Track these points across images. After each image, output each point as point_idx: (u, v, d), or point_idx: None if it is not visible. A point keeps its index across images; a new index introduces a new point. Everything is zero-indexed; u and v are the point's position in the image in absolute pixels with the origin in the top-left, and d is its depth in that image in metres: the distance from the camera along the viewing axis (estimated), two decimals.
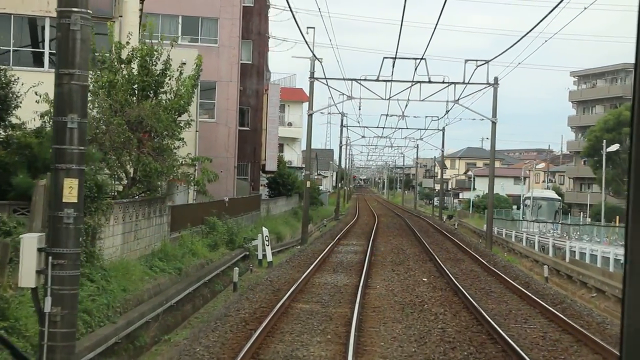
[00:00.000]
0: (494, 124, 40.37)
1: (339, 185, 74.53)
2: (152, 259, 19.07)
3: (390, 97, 40.98)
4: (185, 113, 22.27)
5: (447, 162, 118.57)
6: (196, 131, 32.84)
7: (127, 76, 21.25)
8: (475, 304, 18.35)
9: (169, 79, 22.08)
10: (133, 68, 21.48)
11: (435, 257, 30.36)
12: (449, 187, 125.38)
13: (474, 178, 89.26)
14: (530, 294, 20.75)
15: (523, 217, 50.94)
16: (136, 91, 21.44)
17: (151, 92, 21.66)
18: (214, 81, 39.49)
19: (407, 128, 68.36)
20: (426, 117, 72.71)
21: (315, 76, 40.01)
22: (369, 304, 18.69)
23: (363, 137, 73.82)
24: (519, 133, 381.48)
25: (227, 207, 30.16)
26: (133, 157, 19.87)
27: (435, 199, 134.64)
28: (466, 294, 20.02)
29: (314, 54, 40.04)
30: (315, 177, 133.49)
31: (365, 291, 20.44)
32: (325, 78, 40.66)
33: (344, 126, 72.96)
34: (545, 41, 46.07)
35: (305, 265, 26.41)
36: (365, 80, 40.10)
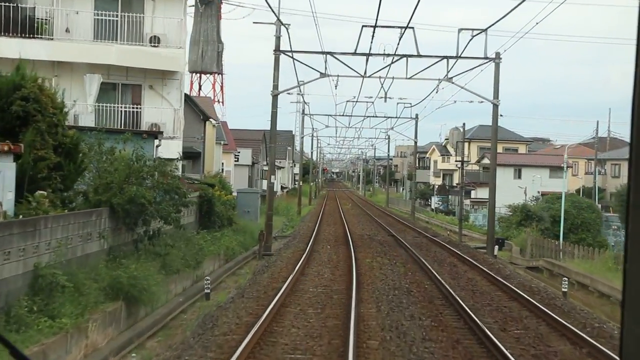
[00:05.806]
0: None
1: (273, 185, 34.52)
2: None
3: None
4: None
5: (450, 147, 79.65)
6: None
7: None
8: None
9: None
10: None
11: None
12: (455, 181, 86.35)
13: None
14: None
15: None
16: None
17: None
18: None
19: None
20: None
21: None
22: None
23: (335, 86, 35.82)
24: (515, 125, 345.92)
25: None
26: None
27: (435, 198, 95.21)
28: None
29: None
30: (263, 168, 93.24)
31: None
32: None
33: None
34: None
35: None
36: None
